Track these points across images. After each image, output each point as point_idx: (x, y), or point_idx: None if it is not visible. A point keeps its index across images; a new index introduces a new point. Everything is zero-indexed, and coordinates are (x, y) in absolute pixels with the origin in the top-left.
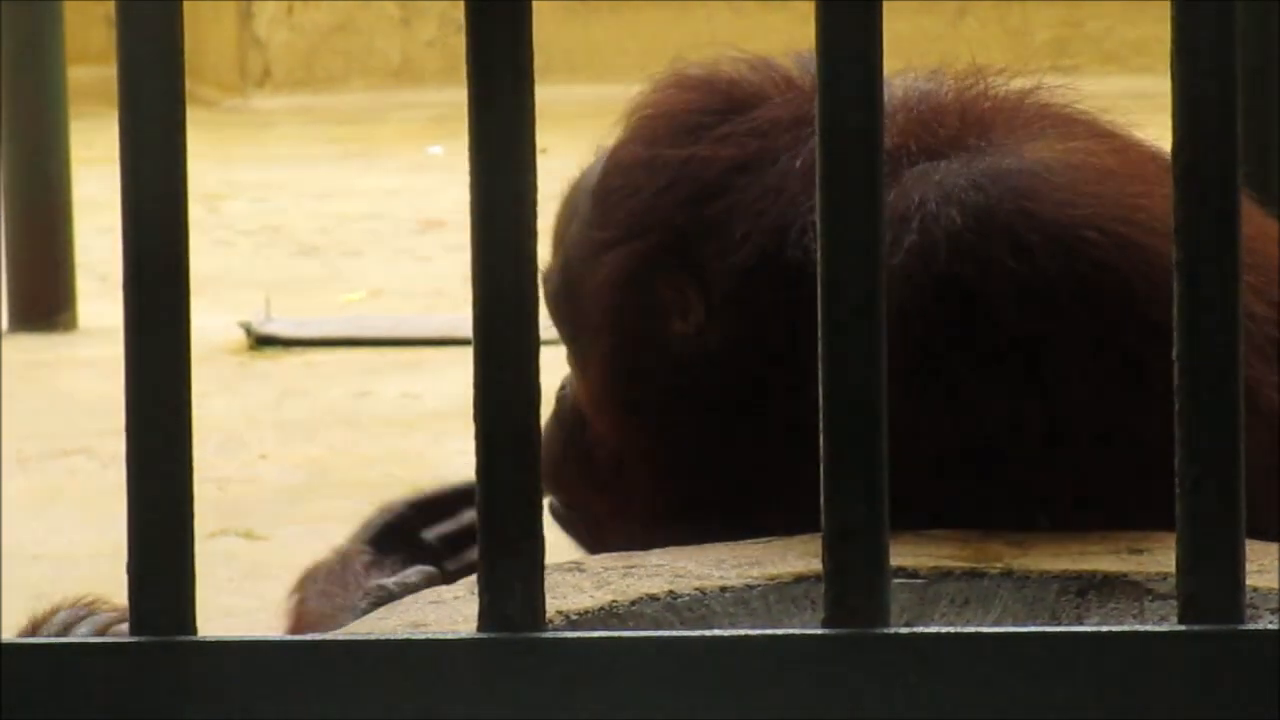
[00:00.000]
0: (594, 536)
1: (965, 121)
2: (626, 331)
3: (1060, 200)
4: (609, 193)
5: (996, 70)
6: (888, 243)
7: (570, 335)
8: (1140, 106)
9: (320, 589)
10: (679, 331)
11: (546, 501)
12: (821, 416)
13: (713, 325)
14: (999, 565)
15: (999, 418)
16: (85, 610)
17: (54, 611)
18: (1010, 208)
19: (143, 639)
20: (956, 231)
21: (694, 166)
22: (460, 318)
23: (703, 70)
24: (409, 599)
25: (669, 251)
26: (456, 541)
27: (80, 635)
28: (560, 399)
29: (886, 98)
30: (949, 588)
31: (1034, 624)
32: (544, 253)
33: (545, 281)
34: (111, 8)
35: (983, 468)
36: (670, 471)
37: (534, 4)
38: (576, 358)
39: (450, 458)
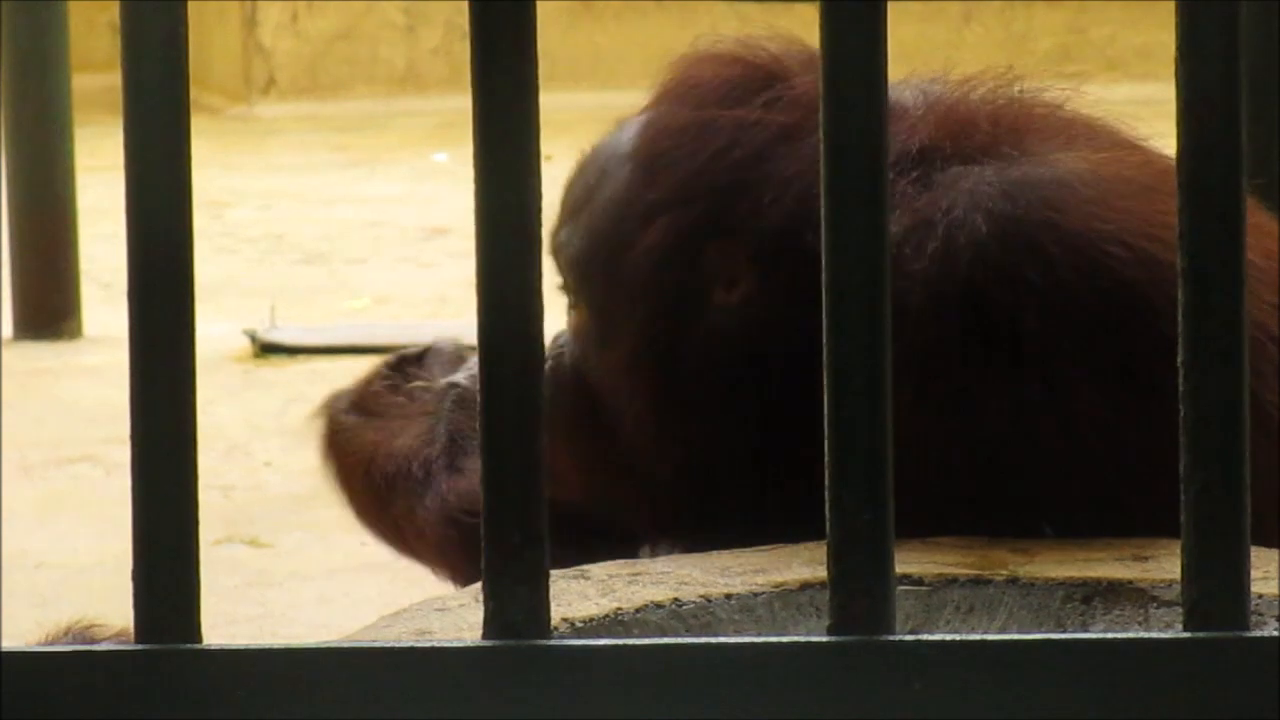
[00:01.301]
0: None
1: (999, 127)
2: (667, 300)
3: (1088, 213)
4: (657, 156)
5: (1029, 77)
6: (912, 246)
7: (594, 302)
8: (1144, 113)
9: (362, 408)
10: (721, 303)
11: None
12: (826, 424)
13: (760, 298)
14: (1004, 572)
15: (1012, 428)
16: (82, 636)
17: (49, 641)
18: (1037, 219)
19: (148, 647)
20: (981, 240)
21: (749, 131)
22: (464, 325)
23: (736, 44)
24: (412, 606)
25: (721, 217)
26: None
27: None
28: (554, 372)
29: (920, 99)
30: (954, 595)
31: (1039, 631)
32: (550, 263)
33: (562, 245)
34: (116, 15)
35: (994, 476)
36: (698, 448)
37: (538, 11)
38: (600, 327)
39: None
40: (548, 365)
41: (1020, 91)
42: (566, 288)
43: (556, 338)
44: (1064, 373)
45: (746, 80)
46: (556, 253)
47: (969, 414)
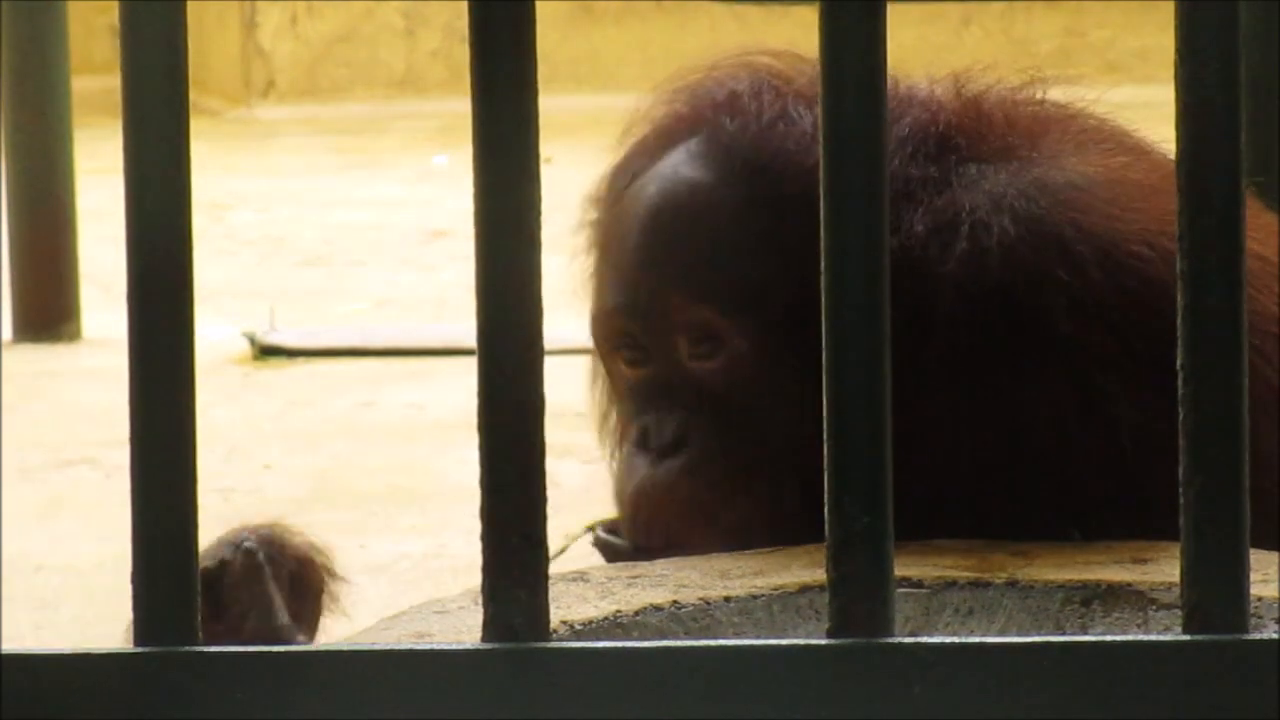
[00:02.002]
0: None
1: (1014, 129)
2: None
3: (1109, 214)
4: (773, 162)
5: (1030, 80)
6: (938, 249)
7: (767, 326)
8: (1144, 116)
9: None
10: None
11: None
12: (825, 427)
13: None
14: (1003, 575)
15: (1045, 429)
16: None
17: None
18: (1061, 220)
19: (147, 649)
20: (1009, 242)
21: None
22: (464, 327)
23: (733, 58)
24: (411, 609)
25: None
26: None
27: None
28: (682, 427)
29: (940, 88)
30: (953, 597)
31: (1038, 634)
32: (549, 265)
33: (702, 295)
34: (115, 18)
35: (1024, 477)
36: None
37: (537, 13)
38: (773, 348)
39: (454, 468)
40: (681, 459)
41: (1032, 93)
42: (698, 340)
43: (632, 450)
44: (1095, 373)
45: (775, 73)
46: (678, 310)
47: (1002, 416)
